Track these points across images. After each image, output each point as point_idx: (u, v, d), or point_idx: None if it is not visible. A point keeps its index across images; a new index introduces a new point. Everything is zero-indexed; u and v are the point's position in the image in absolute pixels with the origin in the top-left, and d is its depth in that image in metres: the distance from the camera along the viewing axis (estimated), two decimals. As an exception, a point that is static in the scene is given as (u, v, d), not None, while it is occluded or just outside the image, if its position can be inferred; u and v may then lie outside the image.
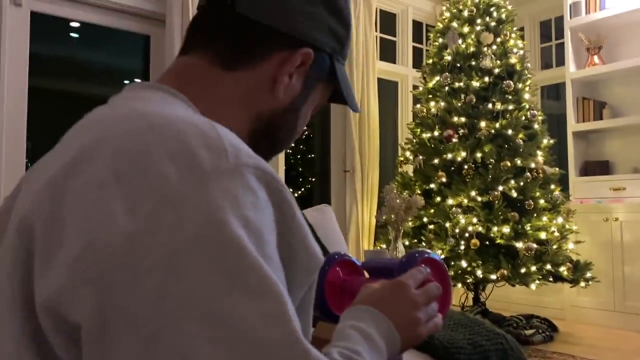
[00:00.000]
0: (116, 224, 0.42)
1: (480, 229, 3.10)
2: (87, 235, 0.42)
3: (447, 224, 3.17)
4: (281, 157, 3.65)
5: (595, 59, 4.00)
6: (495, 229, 3.11)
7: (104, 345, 0.40)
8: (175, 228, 0.41)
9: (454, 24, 3.56)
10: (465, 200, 3.19)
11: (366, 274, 0.83)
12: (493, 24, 3.51)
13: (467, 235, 3.11)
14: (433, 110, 3.48)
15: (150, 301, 0.40)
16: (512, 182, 3.20)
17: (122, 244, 0.41)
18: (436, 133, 3.42)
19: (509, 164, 3.19)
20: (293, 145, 5.53)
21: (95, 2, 2.84)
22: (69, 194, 0.45)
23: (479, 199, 3.17)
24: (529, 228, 3.13)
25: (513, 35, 3.52)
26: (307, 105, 0.66)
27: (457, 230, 3.13)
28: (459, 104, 3.37)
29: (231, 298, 0.40)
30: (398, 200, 2.69)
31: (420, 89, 3.68)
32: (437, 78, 3.52)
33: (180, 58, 0.63)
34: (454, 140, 3.33)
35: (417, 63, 4.42)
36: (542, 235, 3.12)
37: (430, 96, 3.54)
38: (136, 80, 3.32)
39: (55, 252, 0.43)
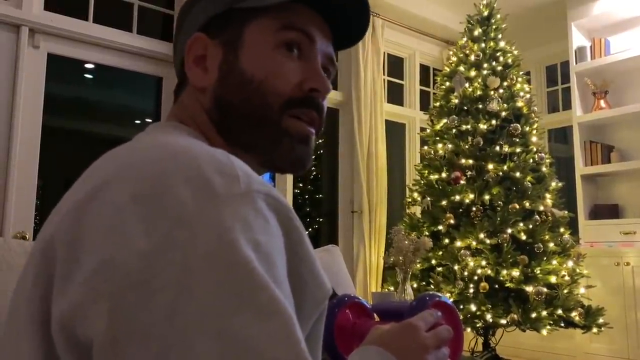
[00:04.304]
0: (131, 243, 0.43)
1: (489, 272, 3.06)
2: (103, 254, 0.44)
3: (456, 267, 3.13)
4: (289, 197, 3.66)
5: (602, 103, 4.03)
6: (504, 272, 3.06)
7: None
8: (187, 248, 0.43)
9: (461, 68, 3.62)
10: (474, 243, 3.16)
11: (376, 317, 0.82)
12: (499, 68, 3.56)
13: (475, 278, 3.07)
14: (440, 152, 3.50)
15: (161, 318, 0.41)
16: (521, 224, 3.17)
17: (136, 262, 0.43)
18: (444, 175, 3.43)
19: (517, 206, 3.17)
20: (301, 185, 5.53)
21: (110, 45, 2.92)
22: (89, 215, 0.47)
23: (488, 241, 3.14)
24: (538, 272, 3.09)
25: (519, 79, 3.56)
26: (246, 53, 0.63)
27: (465, 273, 3.09)
28: (467, 146, 3.38)
29: (240, 317, 0.41)
30: (406, 242, 2.67)
31: (428, 131, 3.71)
32: (445, 120, 3.55)
33: (177, 100, 0.71)
34: (462, 182, 3.33)
35: (424, 106, 4.48)
36: (553, 279, 3.07)
37: (438, 138, 3.57)
38: (147, 120, 3.38)
39: (73, 271, 0.45)
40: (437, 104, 3.70)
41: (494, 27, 3.67)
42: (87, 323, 0.42)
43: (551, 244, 3.19)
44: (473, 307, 3.00)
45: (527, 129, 3.43)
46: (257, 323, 0.41)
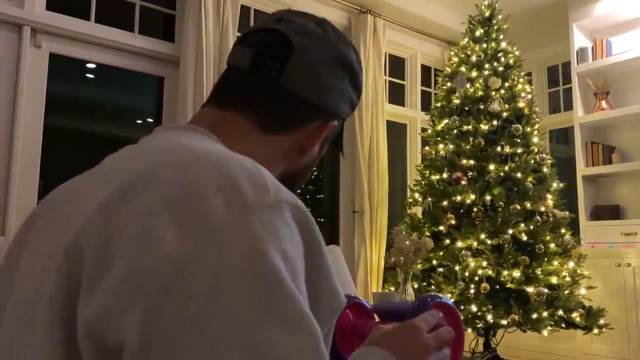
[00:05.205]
0: (163, 249, 0.43)
1: (490, 272, 3.06)
2: (135, 259, 0.44)
3: (457, 267, 3.13)
4: (290, 197, 3.65)
5: (603, 104, 4.03)
6: (505, 272, 3.06)
7: None
8: (218, 256, 0.43)
9: (462, 69, 3.62)
10: (475, 243, 3.16)
11: (377, 318, 0.82)
12: (501, 69, 3.56)
13: (476, 278, 3.07)
14: (442, 152, 3.50)
15: (191, 326, 0.41)
16: (522, 225, 3.17)
17: (168, 269, 0.43)
18: (445, 175, 3.43)
19: (518, 207, 3.17)
20: (302, 185, 5.54)
21: (112, 45, 2.92)
22: (119, 220, 0.47)
23: (489, 242, 3.14)
24: (539, 272, 3.09)
25: (521, 80, 3.56)
26: (317, 160, 0.74)
27: (466, 274, 3.09)
28: (468, 147, 3.38)
29: (268, 328, 0.41)
30: (407, 242, 2.67)
31: (429, 131, 3.71)
32: (446, 121, 3.55)
33: (216, 111, 0.67)
34: (463, 182, 3.33)
35: (425, 106, 4.47)
36: (554, 279, 3.07)
37: (439, 139, 3.57)
38: (149, 120, 3.38)
39: (103, 275, 0.45)
40: (439, 104, 3.70)
41: (495, 27, 3.67)
42: (117, 328, 0.42)
43: (552, 245, 3.19)
44: (474, 308, 3.00)
45: (529, 129, 3.43)
46: (285, 335, 0.41)
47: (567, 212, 3.38)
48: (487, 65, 3.57)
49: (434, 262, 3.26)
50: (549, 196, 3.33)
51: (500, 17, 3.69)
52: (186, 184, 0.47)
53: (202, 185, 0.47)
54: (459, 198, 3.29)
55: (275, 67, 0.65)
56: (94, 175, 0.57)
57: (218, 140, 0.62)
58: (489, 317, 2.98)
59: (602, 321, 3.12)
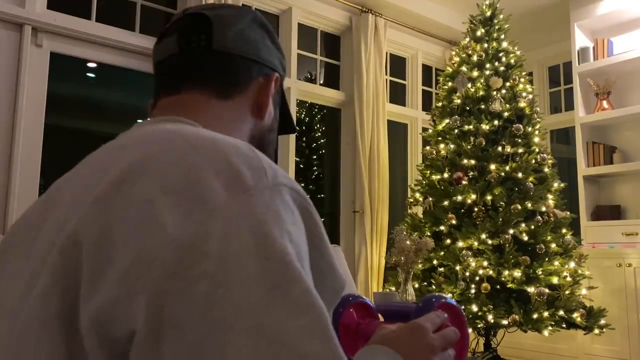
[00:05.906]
0: (166, 234, 0.43)
1: (491, 272, 3.06)
2: (137, 247, 0.43)
3: (457, 267, 3.13)
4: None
5: (604, 104, 4.03)
6: (506, 272, 3.06)
7: (154, 352, 0.41)
8: (223, 240, 0.43)
9: (463, 69, 3.61)
10: (476, 243, 3.16)
11: (380, 317, 0.82)
12: (502, 68, 3.55)
13: (477, 278, 3.07)
14: (443, 152, 3.49)
15: (197, 310, 0.41)
16: (523, 225, 3.17)
17: (172, 254, 0.42)
18: (446, 175, 3.42)
19: (519, 207, 3.17)
20: (302, 184, 5.54)
21: (112, 44, 2.92)
22: (117, 211, 0.46)
23: (490, 242, 3.14)
24: (540, 272, 3.08)
25: (522, 80, 3.56)
26: (276, 121, 0.75)
27: (467, 274, 3.09)
28: (469, 147, 3.38)
29: (275, 310, 0.41)
30: (408, 242, 2.67)
31: (430, 131, 3.71)
32: (447, 121, 3.55)
33: (169, 99, 0.69)
34: (464, 182, 3.32)
35: (426, 106, 4.47)
36: (554, 280, 3.07)
37: (440, 138, 3.56)
38: (149, 119, 3.37)
39: (105, 269, 0.44)
40: (440, 104, 3.69)
41: (496, 27, 3.66)
42: (125, 318, 0.42)
43: (553, 245, 3.18)
44: (475, 308, 3.00)
45: (530, 129, 3.42)
46: (292, 317, 0.41)
47: (568, 212, 3.38)
48: (488, 65, 3.56)
49: (435, 262, 3.26)
50: (549, 196, 3.33)
51: (501, 16, 3.69)
52: (183, 169, 0.47)
53: (199, 170, 0.47)
54: (459, 198, 3.28)
55: (203, 38, 0.68)
56: (78, 175, 0.56)
57: (196, 124, 0.62)
58: (490, 317, 2.98)
59: (602, 321, 3.12)
